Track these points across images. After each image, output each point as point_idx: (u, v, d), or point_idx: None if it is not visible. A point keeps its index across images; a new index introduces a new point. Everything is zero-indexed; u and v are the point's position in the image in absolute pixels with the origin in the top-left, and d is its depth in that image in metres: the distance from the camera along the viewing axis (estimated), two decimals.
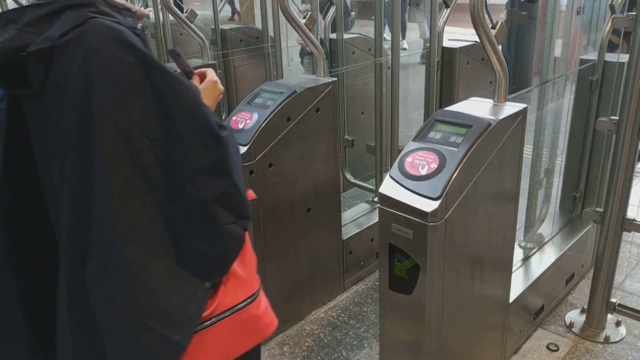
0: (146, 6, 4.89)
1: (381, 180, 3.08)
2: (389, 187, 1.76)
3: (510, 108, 1.92)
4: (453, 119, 1.86)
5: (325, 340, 2.60)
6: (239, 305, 1.32)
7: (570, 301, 2.81)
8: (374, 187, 3.41)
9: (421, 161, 1.76)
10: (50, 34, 1.12)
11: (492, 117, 1.83)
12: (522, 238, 2.77)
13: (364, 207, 3.31)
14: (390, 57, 2.98)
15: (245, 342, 1.36)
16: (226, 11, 5.07)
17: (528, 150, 2.63)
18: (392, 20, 2.86)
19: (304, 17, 2.51)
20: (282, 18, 2.59)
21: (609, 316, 2.58)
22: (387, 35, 3.20)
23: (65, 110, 1.15)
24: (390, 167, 2.09)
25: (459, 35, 3.18)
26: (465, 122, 1.82)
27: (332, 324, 2.72)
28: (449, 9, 2.97)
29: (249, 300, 1.34)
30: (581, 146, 2.86)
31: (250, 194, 1.35)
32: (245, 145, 2.23)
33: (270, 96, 2.38)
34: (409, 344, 1.93)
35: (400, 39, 2.87)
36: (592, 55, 2.71)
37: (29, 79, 1.16)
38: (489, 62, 1.92)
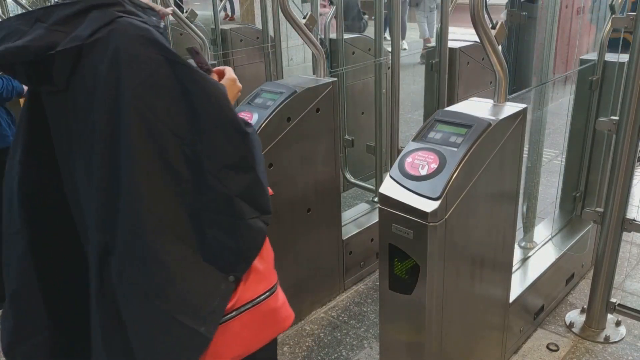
0: None
1: (381, 180, 3.08)
2: (389, 187, 1.76)
3: (510, 108, 1.92)
4: (453, 119, 1.86)
5: (325, 340, 2.60)
6: (259, 299, 1.34)
7: (570, 301, 2.81)
8: (374, 187, 3.41)
9: (421, 161, 1.76)
10: (79, 33, 1.15)
11: (492, 117, 1.83)
12: (522, 238, 2.77)
13: (364, 207, 3.31)
14: (390, 57, 2.98)
15: (265, 334, 1.39)
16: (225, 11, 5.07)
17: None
18: (392, 20, 2.86)
19: (304, 17, 2.51)
20: (282, 18, 2.59)
21: (609, 316, 2.58)
22: (387, 35, 3.20)
23: (93, 107, 1.17)
24: (390, 167, 2.09)
25: (459, 35, 3.18)
26: (465, 122, 1.82)
27: (332, 324, 2.72)
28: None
29: (267, 293, 1.36)
30: (581, 146, 2.86)
31: (269, 190, 1.38)
32: None
33: (270, 96, 2.38)
34: (409, 344, 1.93)
35: (400, 39, 2.87)
36: (592, 55, 2.71)
37: (54, 76, 1.18)
38: (489, 62, 1.92)
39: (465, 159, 1.72)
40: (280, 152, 2.36)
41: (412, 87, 4.62)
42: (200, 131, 1.19)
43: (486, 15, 1.82)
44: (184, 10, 3.39)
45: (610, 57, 2.65)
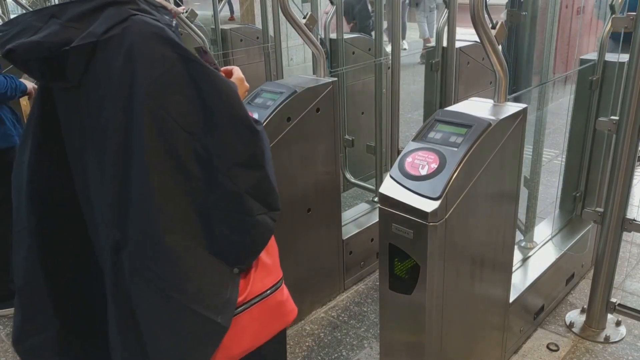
0: None
1: (381, 180, 3.08)
2: (389, 187, 1.76)
3: (511, 108, 1.92)
4: (453, 119, 1.86)
5: (326, 340, 2.60)
6: (267, 292, 1.37)
7: (571, 301, 2.81)
8: (374, 187, 3.41)
9: (421, 161, 1.76)
10: (94, 30, 1.16)
11: (492, 117, 1.83)
12: (522, 238, 2.77)
13: (364, 207, 3.31)
14: (390, 57, 2.98)
15: (272, 327, 1.42)
16: (226, 11, 5.08)
17: (528, 150, 2.63)
18: (392, 21, 2.86)
19: (304, 17, 2.51)
20: (282, 18, 2.59)
21: (609, 316, 2.58)
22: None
23: (106, 104, 1.18)
24: (391, 167, 2.09)
25: (459, 35, 3.18)
26: (465, 122, 1.82)
27: (332, 323, 2.72)
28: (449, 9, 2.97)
29: (274, 287, 1.40)
30: (581, 146, 2.86)
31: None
32: None
33: (270, 96, 2.38)
34: (409, 344, 1.93)
35: (401, 39, 2.87)
36: (592, 55, 2.71)
37: (67, 72, 1.19)
38: (489, 62, 1.92)
39: (466, 158, 1.72)
40: (281, 152, 2.36)
41: (412, 87, 4.62)
42: (211, 128, 1.20)
43: (486, 15, 1.82)
44: (184, 10, 3.39)
45: (610, 57, 2.66)
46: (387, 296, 1.88)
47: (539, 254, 2.67)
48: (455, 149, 1.74)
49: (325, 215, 2.72)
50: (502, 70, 1.93)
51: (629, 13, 2.11)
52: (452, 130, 1.82)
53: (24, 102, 3.17)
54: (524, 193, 2.47)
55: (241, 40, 4.56)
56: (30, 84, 2.75)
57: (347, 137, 3.62)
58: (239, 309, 1.32)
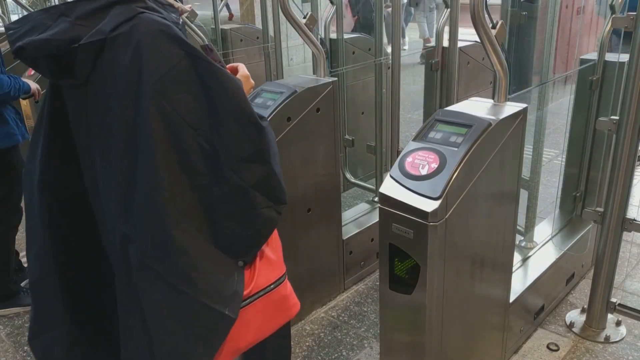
0: None
1: (381, 180, 3.08)
2: (390, 187, 1.76)
3: (511, 108, 1.92)
4: (453, 118, 1.86)
5: (326, 340, 2.60)
6: (271, 287, 1.40)
7: (571, 301, 2.81)
8: (374, 187, 3.41)
9: (421, 161, 1.76)
10: (102, 28, 1.18)
11: (493, 117, 1.83)
12: (522, 238, 2.77)
13: (364, 207, 3.31)
14: (390, 57, 2.98)
15: (275, 321, 1.45)
16: (226, 11, 5.08)
17: (528, 150, 2.63)
18: (392, 21, 2.85)
19: (304, 17, 2.51)
20: (282, 18, 2.59)
21: (609, 316, 2.58)
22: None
23: (114, 100, 1.20)
24: (391, 167, 2.09)
25: (459, 35, 3.18)
26: (465, 122, 1.82)
27: (332, 323, 2.72)
28: (449, 9, 2.96)
29: (278, 282, 1.43)
30: (581, 146, 2.86)
31: None
32: None
33: (270, 96, 2.38)
34: (409, 343, 1.93)
35: (401, 39, 2.86)
36: (592, 55, 2.71)
37: (76, 69, 1.21)
38: (489, 62, 1.92)
39: (466, 158, 1.72)
40: (281, 152, 2.31)
41: (412, 87, 4.62)
42: (217, 124, 1.22)
43: (486, 15, 1.82)
44: (190, 8, 3.39)
45: (610, 57, 2.66)
46: (387, 296, 1.88)
47: (539, 254, 2.67)
48: (456, 149, 1.74)
49: (325, 215, 2.72)
50: (502, 70, 1.93)
51: (629, 13, 2.11)
52: (452, 130, 1.82)
53: (24, 102, 3.17)
54: (523, 194, 2.47)
55: (241, 40, 4.56)
56: (33, 85, 2.76)
57: (347, 137, 3.62)
58: (245, 302, 1.34)
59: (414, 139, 1.86)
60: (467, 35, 2.83)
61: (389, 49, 3.01)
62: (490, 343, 2.26)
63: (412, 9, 9.63)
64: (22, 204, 2.83)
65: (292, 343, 2.57)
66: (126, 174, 1.22)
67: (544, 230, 2.87)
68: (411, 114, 5.21)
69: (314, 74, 2.70)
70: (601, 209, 2.40)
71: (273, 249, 1.44)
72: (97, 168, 1.29)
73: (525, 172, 2.60)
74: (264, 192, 1.30)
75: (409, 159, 1.78)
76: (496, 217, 2.00)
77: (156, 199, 1.19)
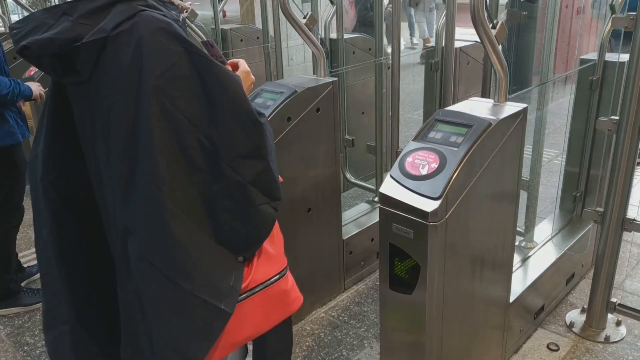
0: None
1: (381, 180, 3.08)
2: (390, 187, 1.76)
3: (511, 108, 1.92)
4: (453, 118, 1.86)
5: (326, 340, 2.60)
6: (270, 281, 1.42)
7: (571, 301, 2.81)
8: (374, 187, 3.41)
9: (422, 161, 1.76)
10: (104, 26, 1.20)
11: (493, 117, 1.83)
12: (522, 238, 2.77)
13: (364, 207, 3.31)
14: (390, 57, 2.98)
15: (275, 315, 1.46)
16: (226, 11, 5.08)
17: (528, 150, 2.63)
18: (393, 21, 2.85)
19: (304, 17, 2.51)
20: (282, 18, 2.59)
21: (609, 316, 2.58)
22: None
23: (116, 96, 1.22)
24: (391, 167, 2.09)
25: (459, 35, 3.18)
26: (465, 122, 1.82)
27: (332, 323, 2.72)
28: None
29: (278, 276, 1.44)
30: (581, 146, 2.86)
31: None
32: None
33: (270, 96, 2.38)
34: (409, 343, 1.93)
35: (401, 39, 2.86)
36: (592, 55, 2.71)
37: (79, 67, 1.23)
38: (489, 62, 1.92)
39: (466, 158, 1.72)
40: (281, 152, 2.35)
41: (412, 87, 4.62)
42: (216, 121, 1.24)
43: (486, 15, 1.82)
44: (185, 10, 3.39)
45: (610, 57, 2.66)
46: (387, 296, 1.88)
47: (539, 254, 2.67)
48: (456, 149, 1.74)
49: (325, 215, 2.72)
50: (502, 70, 1.93)
51: (629, 13, 2.11)
52: (452, 130, 1.82)
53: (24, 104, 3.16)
54: (522, 194, 2.47)
55: (241, 40, 4.56)
56: (36, 89, 2.75)
57: (347, 137, 3.62)
58: (242, 296, 1.35)
59: (414, 139, 1.86)
60: (467, 35, 2.83)
61: (389, 49, 3.01)
62: (490, 343, 2.26)
63: (412, 9, 9.63)
64: (24, 203, 2.85)
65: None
66: (127, 169, 1.24)
67: (544, 230, 2.87)
68: (411, 114, 5.20)
69: (314, 74, 2.70)
70: (601, 209, 2.40)
71: (273, 243, 1.45)
72: (100, 164, 1.32)
73: (525, 173, 2.60)
74: (261, 189, 1.32)
75: (409, 159, 1.78)
76: (496, 217, 2.00)
77: (156, 194, 1.21)
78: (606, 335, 2.52)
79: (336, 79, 2.58)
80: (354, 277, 3.03)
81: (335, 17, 3.59)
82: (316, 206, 2.64)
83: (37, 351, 2.61)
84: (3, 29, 5.36)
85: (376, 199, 3.33)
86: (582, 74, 2.74)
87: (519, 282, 2.43)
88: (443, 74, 2.98)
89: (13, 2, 5.40)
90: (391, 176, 1.78)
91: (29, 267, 3.22)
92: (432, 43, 3.24)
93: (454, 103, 2.21)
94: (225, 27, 4.56)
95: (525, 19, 2.97)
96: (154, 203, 1.22)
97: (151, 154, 1.19)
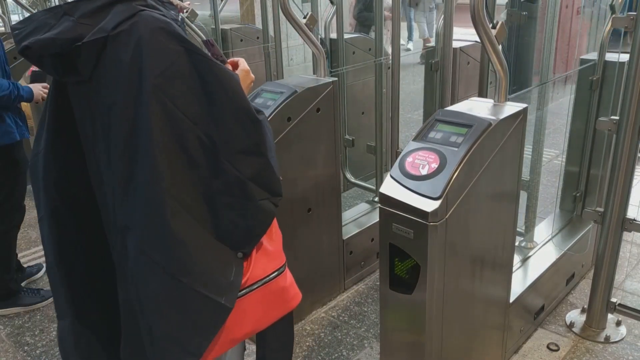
0: None
1: (381, 180, 3.08)
2: (390, 187, 1.76)
3: (511, 108, 1.92)
4: (453, 118, 1.86)
5: (326, 340, 2.60)
6: (268, 277, 1.42)
7: (571, 301, 2.81)
8: (374, 187, 3.41)
9: (422, 161, 1.76)
10: (104, 26, 1.21)
11: (493, 117, 1.83)
12: (523, 238, 2.77)
13: (364, 207, 3.31)
14: (390, 57, 2.98)
15: (274, 312, 1.47)
16: (226, 11, 5.08)
17: (528, 150, 2.63)
18: (392, 21, 2.85)
19: (304, 17, 2.51)
20: (282, 18, 2.59)
21: (610, 316, 2.58)
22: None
23: (116, 95, 1.23)
24: (391, 167, 2.09)
25: (459, 35, 3.18)
26: (465, 122, 1.82)
27: (332, 323, 2.72)
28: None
29: (276, 273, 1.45)
30: (581, 146, 2.86)
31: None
32: None
33: (270, 96, 2.38)
34: (409, 343, 1.93)
35: (400, 39, 2.86)
36: (592, 55, 2.71)
37: (79, 67, 1.24)
38: (489, 62, 1.92)
39: (466, 158, 1.72)
40: (281, 152, 2.35)
41: (412, 87, 4.62)
42: (215, 118, 1.26)
43: (486, 15, 1.83)
44: (185, 10, 3.39)
45: (610, 57, 2.66)
46: (387, 296, 1.88)
47: (539, 254, 2.67)
48: (456, 149, 1.74)
49: (325, 215, 2.72)
50: (502, 70, 1.93)
51: (629, 13, 2.11)
52: (452, 130, 1.82)
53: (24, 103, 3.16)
54: (522, 194, 2.47)
55: (241, 40, 4.56)
56: (37, 92, 2.74)
57: (347, 137, 3.62)
58: (241, 292, 1.36)
59: (414, 139, 1.86)
60: (468, 35, 2.83)
61: (389, 49, 3.01)
62: (490, 343, 2.26)
63: (412, 11, 9.64)
64: (25, 203, 2.85)
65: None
66: (127, 168, 1.25)
67: (544, 230, 2.87)
68: (411, 114, 5.20)
69: (314, 74, 2.70)
70: (601, 209, 2.40)
71: (272, 240, 1.46)
72: (100, 163, 1.33)
73: (525, 173, 2.60)
74: (261, 185, 1.33)
75: (409, 159, 1.79)
76: (496, 217, 2.00)
77: (155, 190, 1.22)
78: (606, 335, 2.53)
79: (336, 79, 2.58)
80: (354, 277, 3.03)
81: (335, 17, 3.59)
82: (316, 206, 2.64)
83: (37, 351, 2.61)
84: (3, 29, 5.36)
85: (376, 199, 3.33)
86: (582, 74, 2.74)
87: (519, 282, 2.43)
88: (438, 74, 2.98)
89: (13, 2, 5.40)
90: (391, 176, 1.78)
91: (29, 267, 3.22)
92: (432, 43, 3.24)
93: (454, 103, 2.21)
94: (226, 27, 4.56)
95: (525, 19, 2.98)
96: (154, 200, 1.23)
97: (151, 152, 1.21)
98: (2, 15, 5.40)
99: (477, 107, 1.95)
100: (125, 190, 1.26)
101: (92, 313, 1.51)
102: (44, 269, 3.24)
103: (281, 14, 2.52)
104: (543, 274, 2.53)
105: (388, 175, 1.80)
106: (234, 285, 1.34)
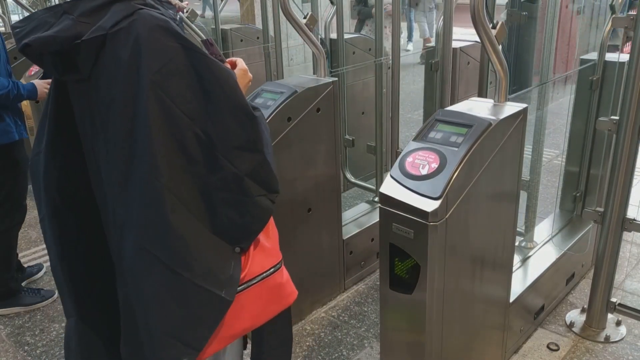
0: None
1: (381, 180, 3.08)
2: (390, 187, 1.76)
3: (511, 108, 1.93)
4: (454, 118, 1.86)
5: (326, 340, 2.60)
6: (266, 274, 1.44)
7: (571, 301, 2.81)
8: (374, 187, 3.41)
9: (422, 161, 1.76)
10: (104, 24, 1.23)
11: (493, 117, 1.83)
12: (522, 238, 2.77)
13: (364, 206, 3.31)
14: (390, 57, 2.98)
15: (271, 308, 1.48)
16: (226, 11, 5.08)
17: (528, 150, 2.63)
18: (392, 20, 2.86)
19: (305, 17, 2.51)
20: (282, 18, 2.59)
21: (609, 316, 2.58)
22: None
23: (115, 92, 1.25)
24: (391, 167, 2.09)
25: (459, 35, 3.18)
26: (465, 122, 1.82)
27: (332, 323, 2.72)
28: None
29: (273, 269, 1.46)
30: (581, 146, 2.86)
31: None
32: None
33: (270, 96, 2.38)
34: (409, 343, 1.93)
35: (400, 39, 2.86)
36: (592, 55, 2.71)
37: (79, 65, 1.26)
38: (489, 62, 1.92)
39: (466, 158, 1.72)
40: (281, 152, 2.36)
41: (412, 87, 4.62)
42: (212, 115, 1.27)
43: (486, 15, 1.83)
44: (184, 10, 3.39)
45: (610, 57, 2.66)
46: (387, 296, 1.89)
47: (539, 254, 2.67)
48: (456, 149, 1.74)
49: (325, 215, 2.72)
50: (502, 70, 1.93)
51: (629, 13, 2.11)
52: (452, 130, 1.82)
53: (25, 102, 3.16)
54: (522, 194, 2.47)
55: (241, 40, 4.56)
56: (42, 89, 2.74)
57: (347, 137, 3.62)
58: (239, 288, 1.38)
59: (414, 139, 1.86)
60: (468, 35, 2.83)
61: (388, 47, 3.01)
62: (490, 343, 2.26)
63: (412, 12, 9.64)
64: (26, 202, 2.85)
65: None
66: (126, 165, 1.26)
67: (544, 230, 2.87)
68: (411, 114, 5.21)
69: (314, 74, 2.70)
70: (601, 209, 2.40)
71: (268, 237, 1.48)
72: (100, 162, 1.34)
73: (525, 173, 2.60)
74: (257, 181, 1.34)
75: (409, 159, 1.79)
76: (496, 217, 2.00)
77: (154, 185, 1.23)
78: (606, 335, 2.53)
79: (336, 79, 2.58)
80: (354, 277, 3.03)
81: (335, 17, 3.59)
82: (316, 206, 2.64)
83: (38, 351, 2.62)
84: (3, 28, 5.36)
85: (376, 199, 3.33)
86: (582, 74, 2.74)
87: (519, 282, 2.43)
88: (438, 74, 2.98)
89: (13, 2, 5.41)
90: (391, 176, 1.78)
91: (29, 267, 3.22)
92: (433, 43, 3.24)
93: (454, 103, 2.21)
94: (226, 27, 4.56)
95: (525, 19, 2.98)
96: (153, 196, 1.24)
97: (149, 149, 1.22)
98: (2, 15, 5.40)
99: (477, 107, 1.95)
100: (124, 187, 1.27)
101: (93, 313, 1.52)
102: (44, 269, 3.24)
103: (281, 14, 2.52)
104: (543, 274, 2.53)
105: (388, 175, 1.80)
106: (233, 279, 1.35)
